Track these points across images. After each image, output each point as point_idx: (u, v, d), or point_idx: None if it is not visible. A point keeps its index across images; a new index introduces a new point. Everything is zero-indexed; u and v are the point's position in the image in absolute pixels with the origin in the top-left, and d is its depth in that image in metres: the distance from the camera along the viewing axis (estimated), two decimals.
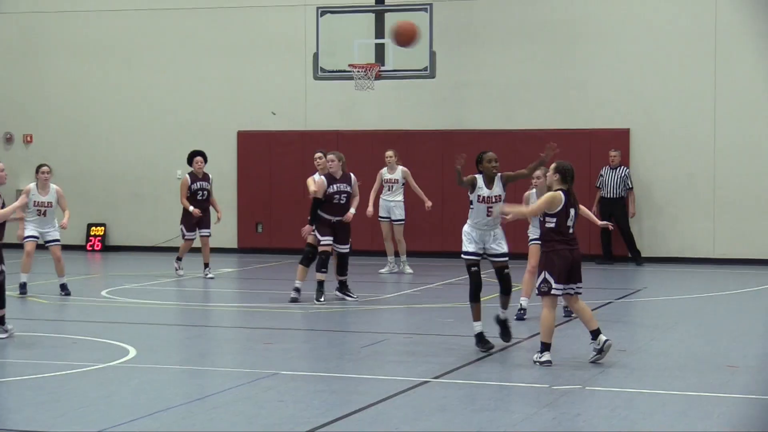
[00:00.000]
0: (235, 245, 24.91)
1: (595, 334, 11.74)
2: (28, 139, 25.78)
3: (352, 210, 16.56)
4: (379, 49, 21.67)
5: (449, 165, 23.99)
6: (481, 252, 12.64)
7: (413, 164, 23.90)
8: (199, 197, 19.87)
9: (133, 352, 12.28)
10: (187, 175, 20.04)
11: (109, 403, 10.02)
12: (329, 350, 12.75)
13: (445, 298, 17.22)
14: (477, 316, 12.51)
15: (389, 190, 20.74)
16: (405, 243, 20.92)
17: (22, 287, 16.96)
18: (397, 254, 20.85)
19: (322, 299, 16.22)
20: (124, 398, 10.24)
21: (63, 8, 25.91)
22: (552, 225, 11.67)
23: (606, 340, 11.69)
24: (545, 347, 11.64)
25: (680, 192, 23.05)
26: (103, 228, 25.31)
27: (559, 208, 11.66)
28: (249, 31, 25.14)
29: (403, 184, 20.90)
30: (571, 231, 11.71)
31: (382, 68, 21.52)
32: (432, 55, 21.40)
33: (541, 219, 11.80)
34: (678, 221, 23.12)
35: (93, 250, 25.10)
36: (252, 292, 17.27)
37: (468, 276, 12.61)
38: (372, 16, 22.04)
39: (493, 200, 12.45)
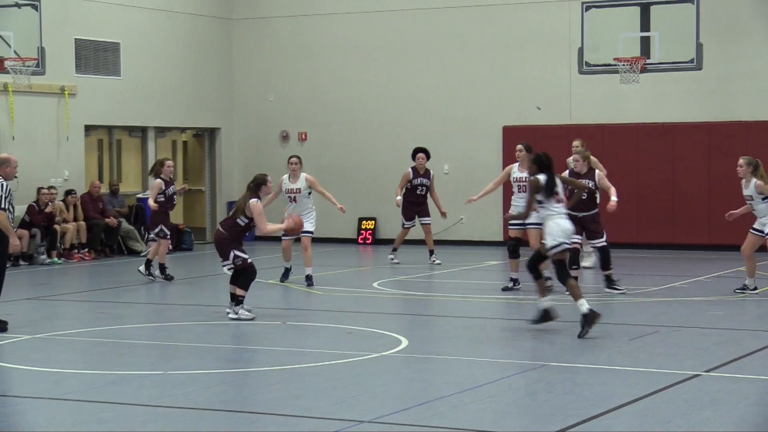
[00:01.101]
0: (500, 238, 25.15)
1: None
2: (303, 137, 26.72)
3: (614, 198, 16.48)
4: (645, 42, 21.55)
5: (716, 157, 23.64)
6: None
7: (679, 157, 23.70)
8: (418, 191, 20.95)
9: (405, 342, 12.63)
10: (410, 170, 21.02)
11: (384, 391, 10.36)
12: (597, 342, 12.77)
13: (715, 290, 17.02)
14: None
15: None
16: None
17: (285, 274, 18.25)
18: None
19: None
20: (398, 387, 10.58)
21: (335, 10, 26.73)
22: None
23: None
24: None
25: None
26: (373, 222, 26.00)
27: None
28: (514, 27, 25.33)
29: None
30: None
31: (648, 61, 21.39)
32: (699, 46, 21.16)
33: None
34: None
35: (364, 243, 25.83)
36: (526, 287, 17.37)
37: None
38: (637, 9, 21.92)
39: None
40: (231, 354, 12.62)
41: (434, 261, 20.84)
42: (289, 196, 17.96)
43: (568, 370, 11.17)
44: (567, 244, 13.43)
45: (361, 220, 26.25)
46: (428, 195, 21.15)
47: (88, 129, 24.33)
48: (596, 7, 22.20)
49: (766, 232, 15.91)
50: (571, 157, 17.05)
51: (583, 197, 16.28)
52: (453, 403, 9.79)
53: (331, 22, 26.76)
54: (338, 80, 26.70)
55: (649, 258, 21.73)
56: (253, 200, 14.38)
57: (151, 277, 18.64)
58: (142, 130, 25.67)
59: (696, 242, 23.66)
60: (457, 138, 25.58)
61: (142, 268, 18.80)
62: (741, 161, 16.15)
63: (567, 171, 16.81)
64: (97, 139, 25.00)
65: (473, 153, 25.49)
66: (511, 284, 17.05)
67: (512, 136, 25.05)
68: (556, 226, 13.38)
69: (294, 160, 18.13)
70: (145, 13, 25.42)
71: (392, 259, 21.29)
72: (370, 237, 26.02)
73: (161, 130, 26.22)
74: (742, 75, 23.66)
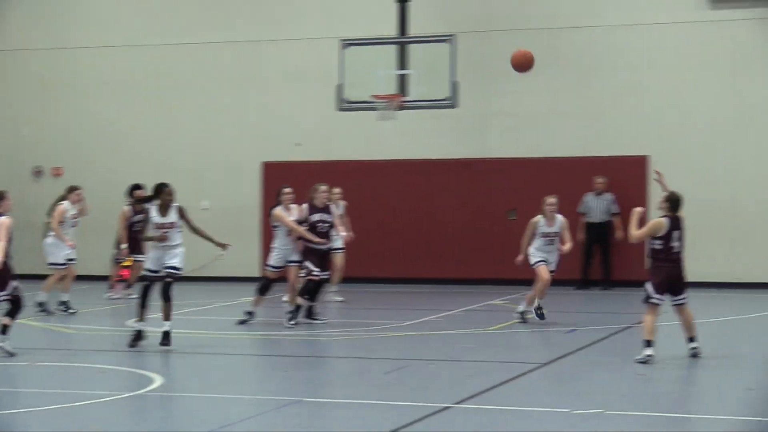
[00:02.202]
0: (258, 274, 25.10)
1: (690, 339, 13.65)
2: (58, 172, 26.12)
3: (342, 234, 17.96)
4: (402, 80, 21.88)
5: (472, 193, 24.22)
6: None
7: (436, 193, 24.18)
8: (135, 228, 20.96)
9: (159, 380, 12.44)
10: (129, 207, 21.14)
11: None
12: (352, 377, 12.90)
13: (467, 323, 17.38)
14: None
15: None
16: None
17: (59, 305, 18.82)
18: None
19: (294, 323, 17.05)
20: (150, 427, 10.39)
21: (91, 43, 26.29)
22: (657, 246, 13.50)
23: (694, 347, 13.57)
24: (646, 344, 13.29)
25: (699, 218, 22.94)
26: (131, 258, 25.49)
27: (663, 232, 13.47)
28: (274, 63, 25.42)
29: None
30: (676, 250, 13.55)
31: (405, 99, 21.72)
32: (454, 85, 21.60)
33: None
34: (696, 247, 23.05)
35: (121, 280, 25.25)
36: (273, 321, 17.41)
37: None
38: (394, 47, 22.27)
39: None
40: None
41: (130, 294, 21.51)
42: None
43: (324, 405, 11.20)
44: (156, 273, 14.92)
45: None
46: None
47: None
48: (355, 44, 22.45)
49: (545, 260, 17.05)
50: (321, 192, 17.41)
51: (323, 230, 17.10)
52: None
53: (89, 55, 26.28)
54: (96, 115, 26.22)
55: (405, 292, 22.02)
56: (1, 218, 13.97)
57: None
58: None
59: (451, 276, 24.14)
60: (217, 174, 25.48)
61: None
62: (553, 200, 17.01)
63: (306, 204, 17.34)
64: None
65: (233, 189, 25.41)
66: (247, 317, 17.48)
67: (272, 172, 25.12)
68: (157, 256, 14.99)
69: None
70: None
71: (129, 295, 21.55)
72: (128, 273, 25.50)
73: None
74: (496, 113, 24.33)
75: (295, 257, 17.46)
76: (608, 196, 23.22)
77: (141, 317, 14.98)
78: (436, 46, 22.02)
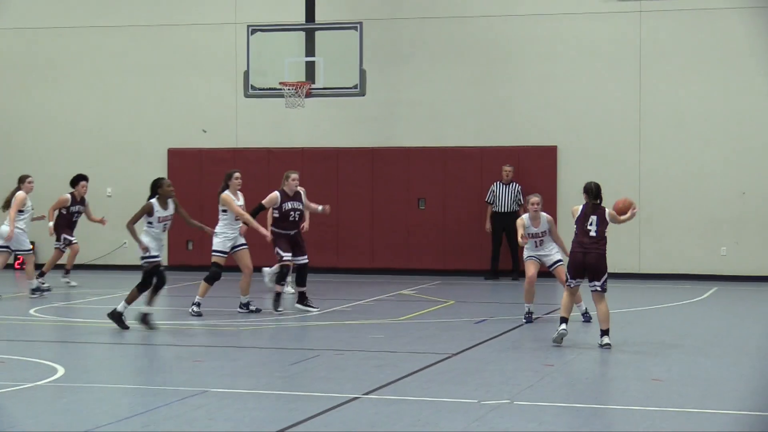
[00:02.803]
0: (165, 263, 24.84)
1: (603, 333, 13.85)
2: None
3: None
4: (310, 67, 21.76)
5: (378, 182, 24.17)
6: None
7: (343, 181, 24.10)
8: (74, 218, 21.14)
9: (61, 371, 12.21)
10: (68, 195, 20.99)
11: (37, 423, 9.96)
12: (260, 367, 12.78)
13: (376, 313, 17.33)
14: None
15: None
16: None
17: None
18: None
19: (281, 309, 17.09)
20: (52, 418, 10.18)
21: None
22: (575, 232, 14.01)
23: (606, 343, 13.75)
24: (561, 320, 13.89)
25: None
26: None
27: (575, 218, 14.00)
28: (180, 49, 25.13)
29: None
30: (592, 235, 13.87)
31: (313, 86, 21.62)
32: (362, 73, 21.53)
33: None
34: None
35: (22, 269, 24.83)
36: (181, 310, 17.23)
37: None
38: (302, 34, 22.13)
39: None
40: None
41: (68, 282, 21.44)
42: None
43: (230, 395, 11.05)
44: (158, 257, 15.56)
45: None
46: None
47: None
48: (261, 30, 22.27)
49: (562, 259, 15.87)
50: (292, 180, 17.33)
51: (296, 219, 17.26)
52: None
53: None
54: None
55: (313, 282, 21.79)
56: None
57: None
58: None
59: (358, 266, 24.09)
60: (121, 161, 25.12)
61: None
62: (537, 199, 15.90)
63: (277, 192, 17.26)
64: None
65: (137, 176, 25.04)
66: (197, 308, 17.03)
67: (177, 159, 24.85)
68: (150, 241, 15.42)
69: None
70: None
71: (68, 282, 21.43)
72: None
73: None
74: (403, 102, 24.30)
75: (241, 240, 17.17)
76: (516, 186, 23.27)
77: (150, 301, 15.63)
78: (343, 33, 21.94)
